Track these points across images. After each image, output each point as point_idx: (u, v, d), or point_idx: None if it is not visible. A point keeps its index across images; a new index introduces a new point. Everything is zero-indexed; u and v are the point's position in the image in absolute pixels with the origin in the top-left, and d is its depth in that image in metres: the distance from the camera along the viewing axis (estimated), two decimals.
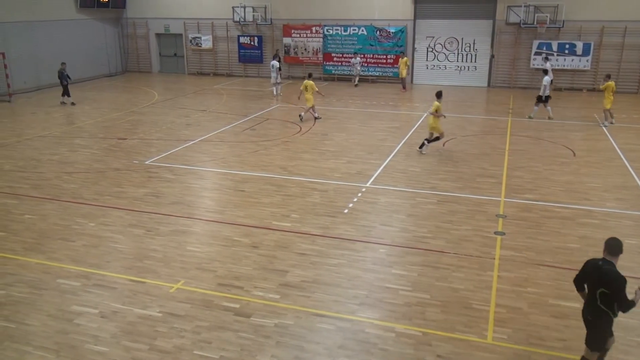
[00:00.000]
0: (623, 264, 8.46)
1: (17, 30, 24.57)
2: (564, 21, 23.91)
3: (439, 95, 14.57)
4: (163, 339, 6.68)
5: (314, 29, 27.89)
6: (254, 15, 28.29)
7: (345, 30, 27.35)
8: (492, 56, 25.87)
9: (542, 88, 18.70)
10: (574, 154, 14.67)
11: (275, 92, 23.71)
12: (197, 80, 29.25)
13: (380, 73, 27.47)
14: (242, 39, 29.41)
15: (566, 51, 24.47)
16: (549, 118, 18.60)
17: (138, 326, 6.95)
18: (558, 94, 22.93)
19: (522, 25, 24.56)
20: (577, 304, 7.40)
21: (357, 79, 26.80)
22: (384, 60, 27.14)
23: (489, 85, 26.31)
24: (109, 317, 7.15)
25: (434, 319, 7.08)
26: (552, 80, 19.53)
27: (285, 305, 7.41)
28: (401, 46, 26.60)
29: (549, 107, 18.70)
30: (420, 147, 14.73)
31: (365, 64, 27.28)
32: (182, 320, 7.06)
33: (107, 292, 7.78)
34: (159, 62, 32.06)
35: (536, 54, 24.91)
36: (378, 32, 26.81)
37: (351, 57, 27.03)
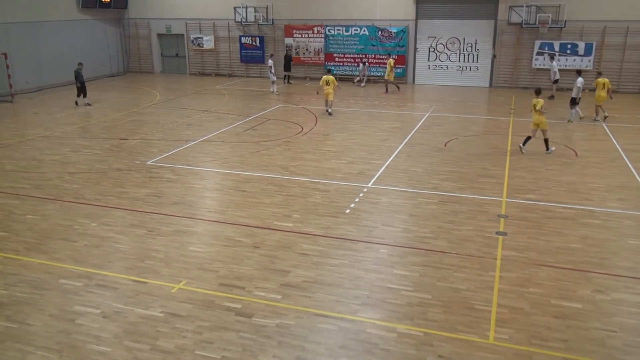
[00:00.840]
0: (624, 264, 8.47)
1: (19, 30, 24.60)
2: (565, 21, 23.87)
3: (538, 92, 14.92)
4: (165, 339, 6.69)
5: (315, 29, 27.89)
6: (255, 16, 28.31)
7: (347, 31, 27.35)
8: (494, 56, 25.84)
9: (575, 90, 18.18)
10: (576, 154, 14.65)
11: (272, 90, 24.52)
12: (199, 80, 29.27)
13: (382, 73, 27.40)
14: (243, 39, 29.44)
15: (568, 51, 24.42)
16: (580, 118, 18.60)
17: (140, 326, 6.96)
18: (560, 94, 22.90)
19: (523, 26, 24.53)
20: (578, 304, 7.41)
21: (364, 80, 26.86)
22: (386, 61, 27.10)
23: (490, 85, 26.28)
24: (110, 317, 7.16)
25: (435, 319, 7.07)
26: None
27: (287, 305, 7.41)
28: (403, 46, 26.60)
29: (578, 108, 18.64)
30: (547, 148, 14.52)
31: (367, 64, 27.30)
32: (184, 321, 7.07)
33: (109, 292, 7.79)
34: (160, 63, 32.09)
35: (538, 54, 24.89)
36: (380, 33, 26.80)
37: (354, 58, 27.12)
